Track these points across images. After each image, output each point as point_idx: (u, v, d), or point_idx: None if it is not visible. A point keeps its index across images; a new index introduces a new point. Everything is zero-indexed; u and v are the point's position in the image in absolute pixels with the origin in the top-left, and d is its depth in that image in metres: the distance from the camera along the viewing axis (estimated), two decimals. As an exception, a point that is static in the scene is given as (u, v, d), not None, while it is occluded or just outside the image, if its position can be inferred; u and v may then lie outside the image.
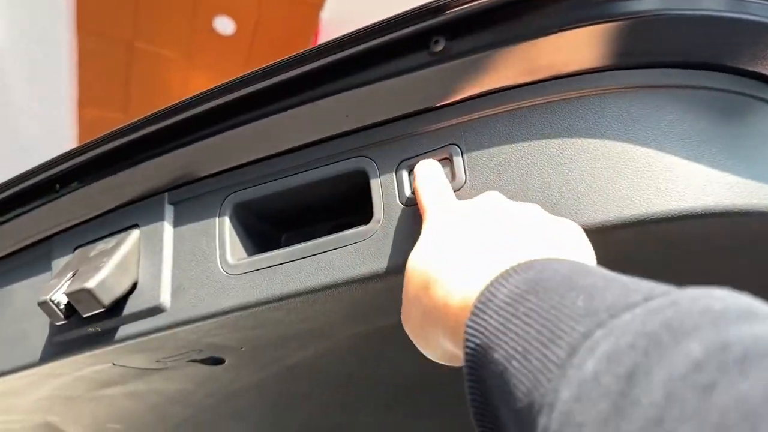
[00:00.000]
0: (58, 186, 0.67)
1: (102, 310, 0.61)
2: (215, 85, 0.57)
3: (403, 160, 0.54)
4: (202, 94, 0.57)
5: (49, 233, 0.71)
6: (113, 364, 0.73)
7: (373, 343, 0.72)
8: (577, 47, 0.48)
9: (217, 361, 0.78)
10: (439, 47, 0.50)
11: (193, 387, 0.86)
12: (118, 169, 0.64)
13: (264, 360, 0.76)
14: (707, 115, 0.47)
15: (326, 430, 1.05)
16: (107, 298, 0.60)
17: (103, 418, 0.95)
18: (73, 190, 0.66)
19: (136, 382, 0.83)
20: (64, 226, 0.70)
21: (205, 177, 0.63)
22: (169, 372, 0.79)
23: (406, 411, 0.98)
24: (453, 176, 0.52)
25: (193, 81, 5.41)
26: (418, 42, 0.50)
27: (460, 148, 0.52)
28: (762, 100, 0.48)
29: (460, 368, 0.36)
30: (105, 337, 0.64)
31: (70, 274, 0.62)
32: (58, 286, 0.61)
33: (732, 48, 0.47)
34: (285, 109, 0.56)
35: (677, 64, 0.48)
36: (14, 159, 6.13)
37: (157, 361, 0.73)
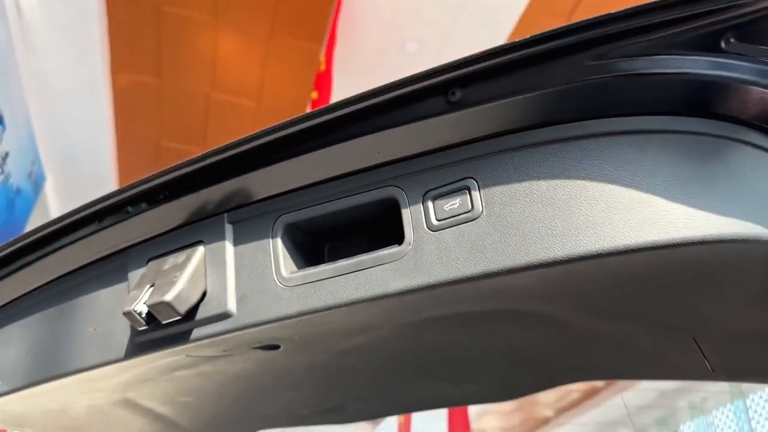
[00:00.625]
0: (129, 208, 0.77)
1: (179, 317, 0.72)
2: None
3: (428, 191, 0.63)
4: (258, 132, 0.66)
5: (124, 246, 0.82)
6: (186, 355, 0.85)
7: (414, 331, 0.82)
8: (574, 99, 0.55)
9: (273, 347, 0.90)
10: (456, 97, 0.58)
11: (253, 366, 0.98)
12: (183, 193, 0.74)
13: (315, 347, 0.87)
14: (689, 157, 0.55)
15: (373, 394, 1.17)
16: (183, 308, 0.71)
17: (174, 393, 1.08)
18: (143, 211, 0.76)
19: (204, 366, 0.95)
20: (137, 241, 0.81)
21: (260, 200, 0.73)
22: (233, 357, 0.91)
23: (444, 377, 1.10)
24: (472, 206, 0.61)
25: (221, 42, 5.47)
26: (438, 92, 0.58)
27: (476, 182, 0.61)
28: (738, 141, 0.56)
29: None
30: (180, 338, 0.76)
31: (148, 286, 0.73)
32: (139, 298, 0.72)
33: (710, 98, 0.54)
34: (330, 144, 0.65)
35: (662, 111, 0.55)
36: (53, 130, 6.31)
37: (224, 351, 0.85)
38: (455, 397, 1.20)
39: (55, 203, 7.76)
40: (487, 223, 0.60)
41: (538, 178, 0.58)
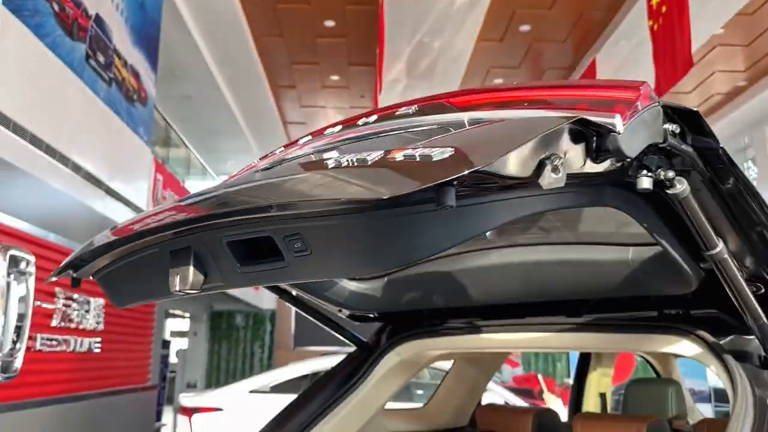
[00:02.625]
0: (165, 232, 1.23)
1: (198, 291, 1.21)
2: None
3: (285, 237, 1.05)
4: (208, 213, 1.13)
5: (165, 240, 1.27)
6: None
7: None
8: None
9: None
10: (273, 211, 1.02)
11: None
12: (179, 226, 1.20)
13: None
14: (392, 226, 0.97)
15: None
16: (197, 286, 1.19)
17: None
18: (167, 230, 1.22)
19: None
20: (169, 239, 1.25)
21: (216, 228, 1.15)
22: None
23: None
24: (305, 247, 1.04)
25: None
26: (267, 209, 1.03)
27: (302, 234, 1.03)
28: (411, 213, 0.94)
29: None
30: (205, 290, 1.23)
31: (177, 275, 1.20)
32: (175, 284, 1.20)
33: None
34: (241, 215, 1.08)
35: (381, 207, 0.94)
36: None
37: None
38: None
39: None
40: (314, 255, 1.04)
41: (330, 235, 1.02)
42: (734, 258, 1.25)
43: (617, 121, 0.93)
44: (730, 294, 1.23)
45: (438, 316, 1.94)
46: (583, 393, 2.89)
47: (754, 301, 1.23)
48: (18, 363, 4.02)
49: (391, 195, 0.80)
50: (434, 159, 0.84)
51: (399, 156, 0.89)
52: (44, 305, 4.42)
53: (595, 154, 0.98)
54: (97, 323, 5.55)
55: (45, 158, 4.67)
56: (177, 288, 1.21)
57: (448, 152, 0.85)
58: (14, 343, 4.00)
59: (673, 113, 1.03)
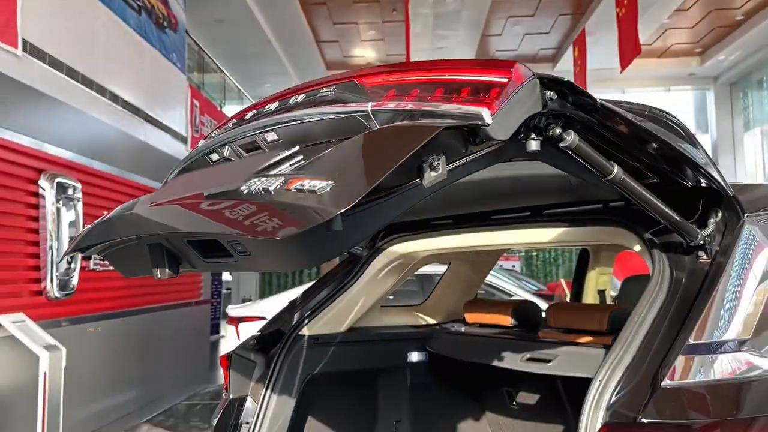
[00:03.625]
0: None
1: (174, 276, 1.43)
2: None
3: (228, 241, 1.21)
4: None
5: (143, 236, 1.44)
6: None
7: None
8: None
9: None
10: None
11: None
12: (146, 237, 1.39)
13: None
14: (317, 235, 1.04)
15: None
16: (176, 274, 1.42)
17: None
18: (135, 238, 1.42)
19: None
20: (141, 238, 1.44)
21: (175, 234, 1.32)
22: None
23: None
24: (246, 250, 1.21)
25: None
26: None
27: (242, 242, 1.19)
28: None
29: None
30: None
31: (157, 268, 1.43)
32: (157, 273, 1.43)
33: None
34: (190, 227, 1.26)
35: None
36: None
37: None
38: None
39: None
40: (254, 256, 1.21)
41: (260, 243, 1.17)
42: (641, 171, 1.38)
43: (485, 114, 1.00)
44: (638, 204, 1.35)
45: (419, 225, 2.14)
46: (583, 290, 3.07)
47: (662, 204, 1.34)
48: (74, 281, 4.45)
49: (282, 237, 0.93)
50: (318, 193, 0.94)
51: (293, 188, 0.99)
52: (93, 228, 4.77)
53: (472, 140, 1.09)
54: (147, 244, 5.93)
55: (82, 89, 4.91)
56: (158, 276, 1.45)
57: (328, 186, 0.95)
58: (69, 264, 4.42)
59: (549, 82, 1.10)
